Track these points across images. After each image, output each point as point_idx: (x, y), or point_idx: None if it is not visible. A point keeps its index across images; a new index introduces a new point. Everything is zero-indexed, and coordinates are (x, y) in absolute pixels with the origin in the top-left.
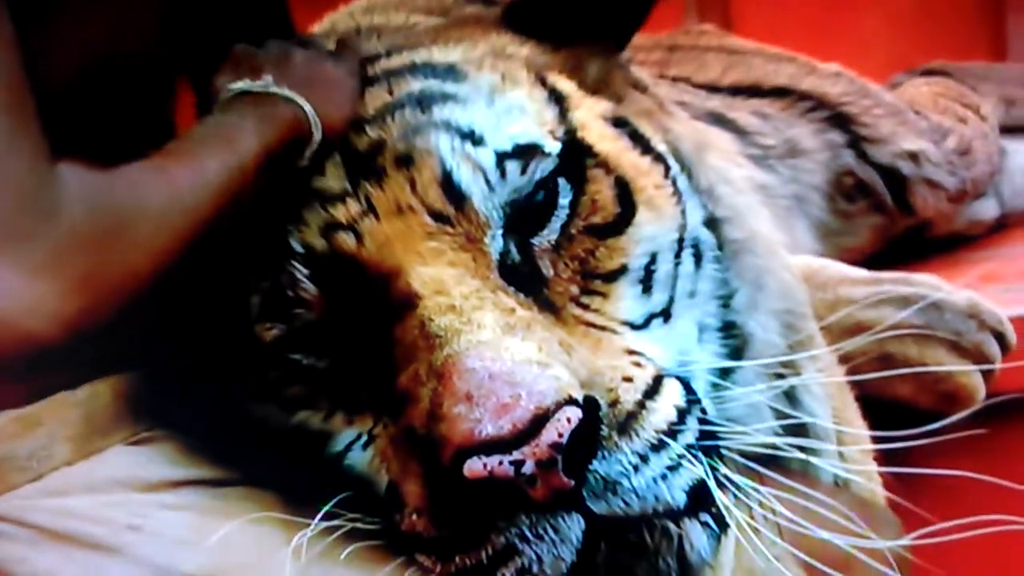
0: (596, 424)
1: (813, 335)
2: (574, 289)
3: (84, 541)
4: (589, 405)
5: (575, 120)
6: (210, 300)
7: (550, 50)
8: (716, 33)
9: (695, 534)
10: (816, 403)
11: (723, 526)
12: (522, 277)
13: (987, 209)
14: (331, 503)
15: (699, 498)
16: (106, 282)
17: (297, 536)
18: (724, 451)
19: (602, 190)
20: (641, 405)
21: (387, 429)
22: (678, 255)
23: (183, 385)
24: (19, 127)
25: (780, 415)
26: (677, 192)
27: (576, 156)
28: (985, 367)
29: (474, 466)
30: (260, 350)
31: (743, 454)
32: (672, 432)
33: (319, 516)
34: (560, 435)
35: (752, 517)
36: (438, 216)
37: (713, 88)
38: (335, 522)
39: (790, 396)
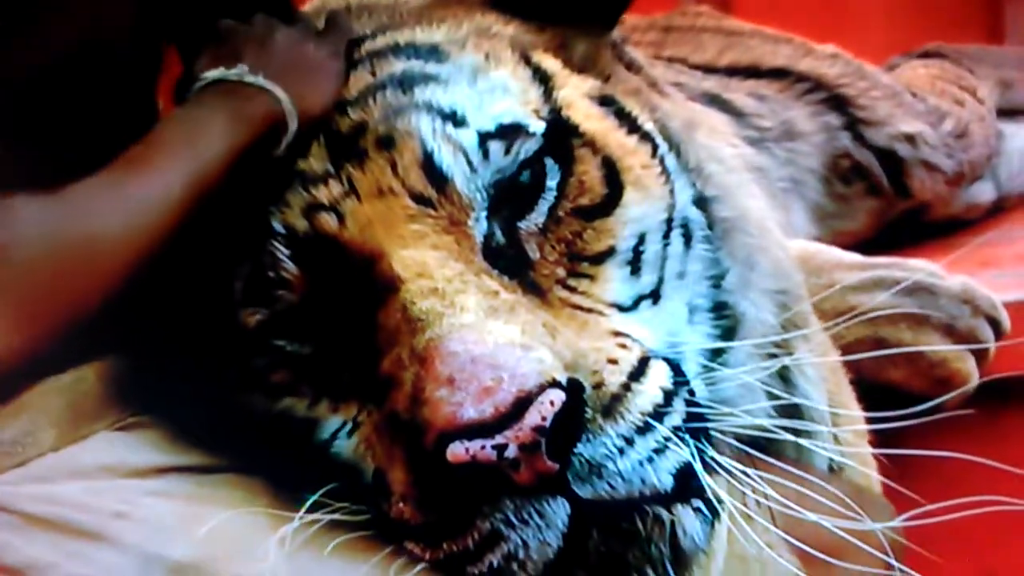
0: (580, 407)
1: (807, 316)
2: (561, 271)
3: (69, 528)
4: (573, 388)
5: (560, 99)
6: (194, 286)
7: (535, 29)
8: (712, 14)
9: (688, 520)
10: (810, 385)
11: (716, 512)
12: (507, 260)
13: (984, 192)
14: (318, 493)
15: (686, 481)
16: (57, 311)
17: (285, 526)
18: (714, 434)
19: (589, 170)
20: (626, 387)
21: (371, 416)
22: (667, 236)
23: (170, 371)
24: None
25: (774, 397)
26: (665, 171)
27: (562, 136)
28: (975, 345)
29: (456, 450)
30: (244, 337)
31: (736, 437)
32: (658, 414)
33: (306, 507)
34: (543, 418)
35: (745, 503)
36: (420, 199)
37: (709, 69)
38: (323, 511)
39: (784, 377)
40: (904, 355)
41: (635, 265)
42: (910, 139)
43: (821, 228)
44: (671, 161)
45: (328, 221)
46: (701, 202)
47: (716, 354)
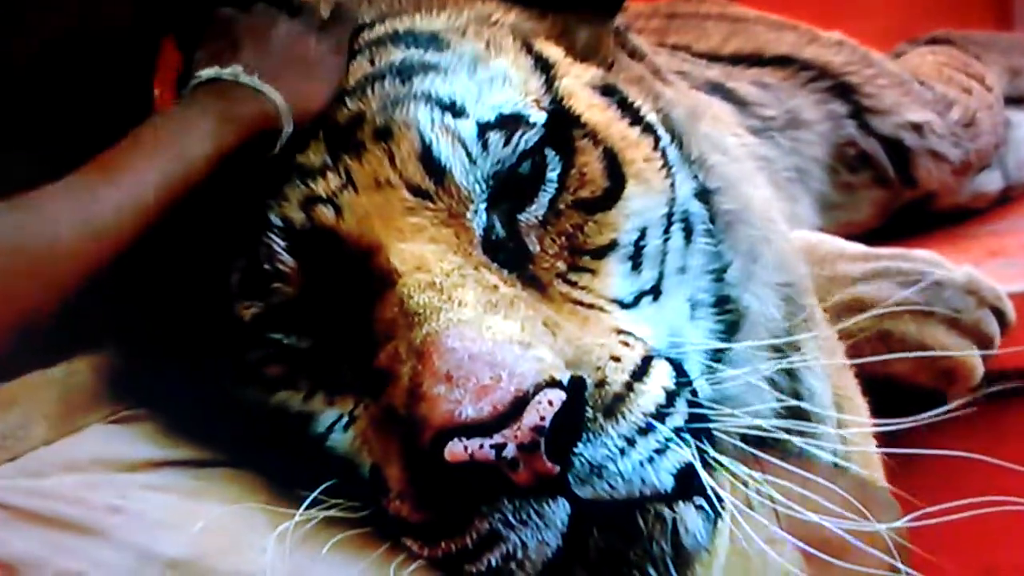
0: (581, 406)
1: (813, 310)
2: (561, 265)
3: (63, 522)
4: (575, 385)
5: (562, 89)
6: (190, 279)
7: (537, 16)
8: (717, 0)
9: (690, 517)
10: (815, 379)
11: (719, 509)
12: (507, 253)
13: (991, 181)
14: (317, 490)
15: (687, 482)
16: (7, 319)
17: (283, 524)
18: (716, 433)
19: (590, 162)
20: (629, 387)
21: (368, 409)
22: (667, 230)
23: (164, 364)
24: None
25: (779, 391)
26: (667, 164)
27: (563, 126)
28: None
29: (455, 449)
30: (240, 329)
31: (739, 435)
32: (660, 415)
33: (304, 505)
34: (542, 418)
35: (748, 502)
36: (417, 191)
37: (713, 57)
38: (320, 507)
39: (789, 371)
40: (908, 347)
41: (636, 260)
42: (917, 128)
43: (827, 219)
44: (673, 153)
45: (325, 213)
46: (703, 194)
47: (719, 349)
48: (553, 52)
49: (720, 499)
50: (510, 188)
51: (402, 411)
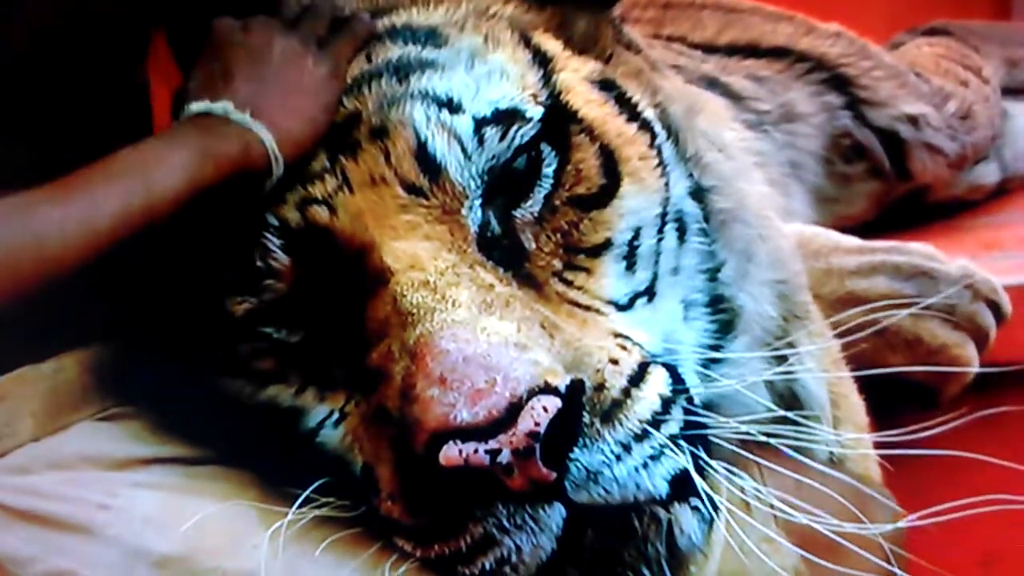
0: (579, 411)
1: (807, 306)
2: (557, 263)
3: (51, 520)
4: (573, 389)
5: (560, 83)
6: (181, 274)
7: (535, 8)
8: None
9: (685, 519)
10: (811, 379)
11: (715, 509)
12: (502, 250)
13: (988, 174)
14: (309, 489)
15: (682, 486)
16: None
17: (273, 522)
18: (712, 438)
19: (587, 159)
20: (627, 393)
21: (359, 406)
22: (660, 230)
23: (153, 360)
24: None
25: (775, 390)
26: (662, 163)
27: (560, 121)
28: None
29: (450, 453)
30: (231, 324)
31: (736, 437)
32: (656, 422)
33: (297, 503)
34: (536, 424)
35: (744, 504)
36: (411, 188)
37: (709, 48)
38: (311, 506)
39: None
40: (903, 341)
41: (630, 260)
42: (913, 120)
43: (821, 212)
44: (668, 151)
45: (319, 213)
46: (697, 193)
47: (715, 347)
48: (551, 45)
49: (714, 505)
50: (505, 183)
51: (394, 412)
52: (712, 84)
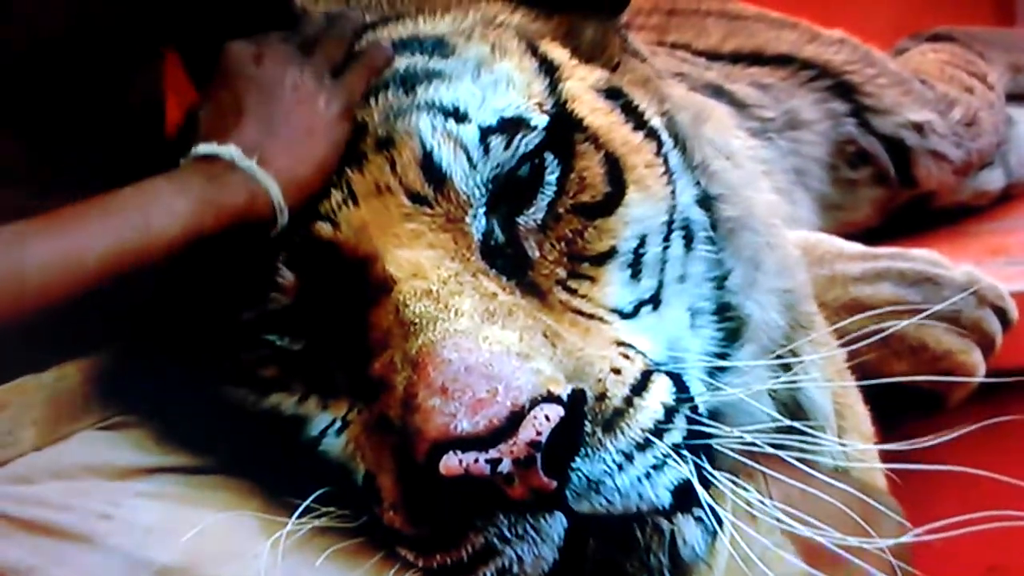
0: (581, 420)
1: (812, 315)
2: (561, 272)
3: (52, 530)
4: (575, 398)
5: (566, 92)
6: (185, 282)
7: (542, 16)
8: None
9: (688, 529)
10: (816, 389)
11: (719, 520)
12: (506, 259)
13: (993, 179)
14: (309, 499)
15: (685, 497)
16: None
17: (275, 532)
18: (716, 447)
19: (591, 167)
20: (628, 402)
21: (362, 415)
22: (667, 238)
23: (155, 369)
24: None
25: (779, 400)
26: (668, 171)
27: (565, 130)
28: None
29: (450, 463)
30: (234, 331)
31: (740, 446)
32: (658, 431)
33: (297, 513)
34: (538, 433)
35: (748, 515)
36: (416, 197)
37: (713, 55)
38: (312, 515)
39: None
40: (908, 348)
41: (636, 268)
42: (918, 128)
43: (826, 219)
44: (675, 159)
45: (323, 228)
46: (705, 201)
47: (721, 355)
48: (558, 54)
49: (717, 518)
50: (509, 191)
51: (396, 421)
52: (716, 92)
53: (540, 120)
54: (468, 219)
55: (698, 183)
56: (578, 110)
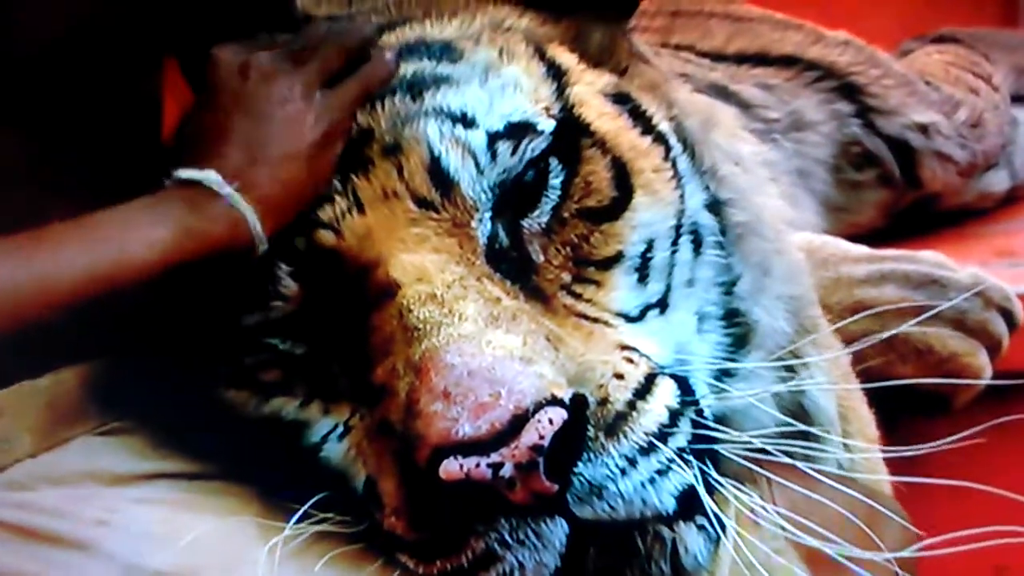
0: (582, 424)
1: (817, 321)
2: (566, 276)
3: (48, 537)
4: (576, 404)
5: (573, 96)
6: (184, 287)
7: (551, 20)
8: None
9: (690, 538)
10: (820, 393)
11: (722, 528)
12: (510, 263)
13: (998, 181)
14: (308, 503)
15: (689, 503)
16: None
17: (274, 538)
18: (721, 452)
19: (597, 171)
20: (631, 405)
21: (364, 420)
22: (675, 242)
23: (153, 374)
24: None
25: (783, 405)
26: (677, 175)
27: (571, 134)
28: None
29: (450, 467)
30: (236, 335)
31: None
32: (663, 435)
33: (295, 517)
34: (541, 437)
35: (752, 522)
36: (423, 202)
37: (717, 56)
38: (310, 521)
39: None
40: (913, 351)
41: (643, 272)
42: (923, 129)
43: (830, 221)
44: (684, 163)
45: (326, 236)
46: (714, 206)
47: (729, 360)
48: (566, 58)
49: (722, 525)
50: (514, 195)
51: (398, 427)
52: (721, 92)
53: (547, 125)
54: (474, 223)
55: (707, 188)
56: (585, 115)
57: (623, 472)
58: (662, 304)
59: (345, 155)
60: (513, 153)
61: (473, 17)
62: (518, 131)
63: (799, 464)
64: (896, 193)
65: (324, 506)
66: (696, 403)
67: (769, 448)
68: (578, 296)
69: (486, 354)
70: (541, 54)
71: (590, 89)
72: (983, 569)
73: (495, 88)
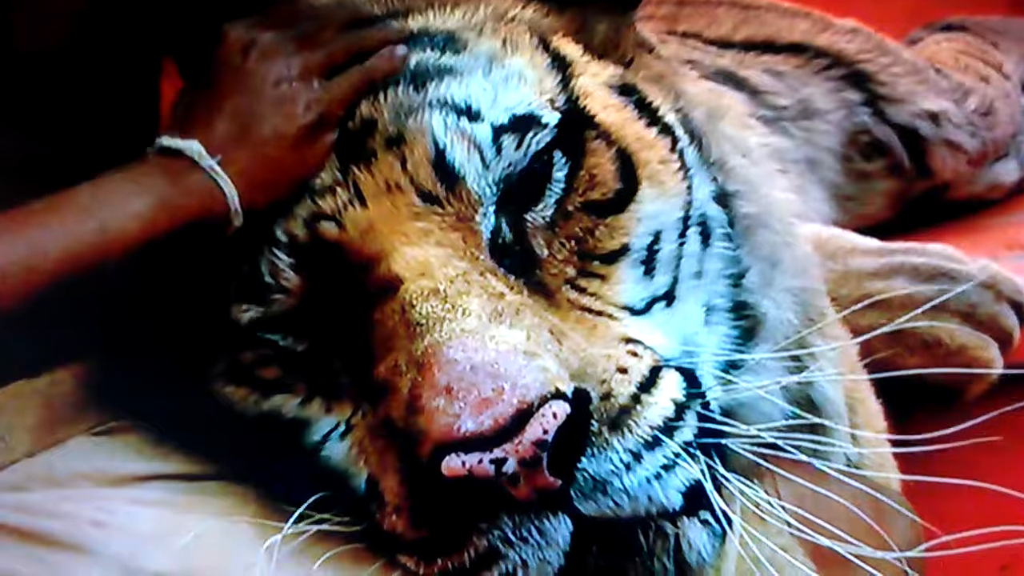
0: (586, 419)
1: (826, 312)
2: (570, 271)
3: (45, 538)
4: (579, 398)
5: (578, 88)
6: (181, 281)
7: (555, 11)
8: None
9: (694, 534)
10: (829, 385)
11: (728, 523)
12: (514, 257)
13: (1008, 171)
14: (307, 503)
15: (695, 499)
16: None
17: (272, 538)
18: (728, 446)
19: (602, 163)
20: (635, 399)
21: (366, 418)
22: (683, 234)
23: (151, 373)
24: None
25: (792, 395)
26: (684, 166)
27: (576, 127)
28: None
29: (452, 464)
30: (235, 331)
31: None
32: (668, 428)
33: (293, 517)
34: (545, 432)
35: (759, 518)
36: (427, 196)
37: (725, 44)
38: (309, 521)
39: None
40: (922, 343)
41: (649, 265)
42: (933, 117)
43: (839, 211)
44: (691, 155)
45: (328, 228)
46: (722, 198)
47: (737, 353)
48: (570, 50)
49: (728, 520)
50: (518, 189)
51: (400, 424)
52: (729, 78)
53: (551, 117)
54: (478, 218)
55: (715, 179)
56: (590, 106)
57: (628, 467)
58: (669, 296)
59: (346, 145)
60: (518, 147)
61: (477, 8)
62: (523, 124)
63: (806, 458)
64: (905, 182)
65: (323, 506)
66: (703, 396)
67: (776, 440)
68: (582, 290)
69: (489, 349)
70: (545, 45)
71: (595, 80)
72: (988, 568)
73: (499, 80)
